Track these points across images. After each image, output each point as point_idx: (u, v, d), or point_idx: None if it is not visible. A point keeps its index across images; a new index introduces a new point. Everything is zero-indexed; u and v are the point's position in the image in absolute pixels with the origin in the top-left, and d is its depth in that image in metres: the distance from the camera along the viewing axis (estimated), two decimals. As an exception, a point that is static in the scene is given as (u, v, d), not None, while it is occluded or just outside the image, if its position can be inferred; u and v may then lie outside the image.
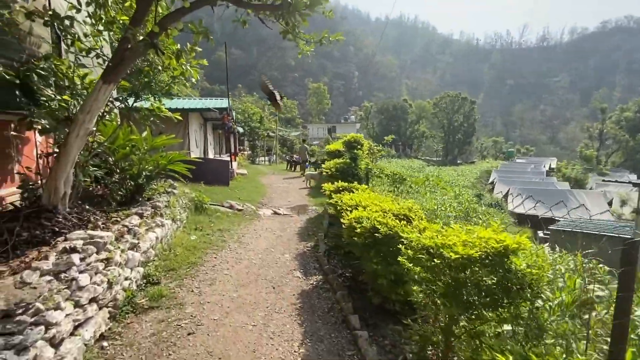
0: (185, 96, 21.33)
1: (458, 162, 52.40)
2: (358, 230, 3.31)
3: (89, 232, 3.37)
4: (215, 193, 9.94)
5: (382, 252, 3.19)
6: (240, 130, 26.78)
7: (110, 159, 5.27)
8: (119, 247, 3.62)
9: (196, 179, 10.16)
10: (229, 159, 14.62)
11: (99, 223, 3.81)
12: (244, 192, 11.53)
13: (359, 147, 8.00)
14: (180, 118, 4.92)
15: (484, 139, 73.61)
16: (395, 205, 3.92)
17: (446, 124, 54.71)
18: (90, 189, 5.83)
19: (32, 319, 2.22)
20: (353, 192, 4.96)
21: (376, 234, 3.14)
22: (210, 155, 16.50)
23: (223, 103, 14.19)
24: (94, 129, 3.32)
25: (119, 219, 4.23)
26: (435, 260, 2.05)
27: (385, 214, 3.52)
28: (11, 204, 3.54)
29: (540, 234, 14.45)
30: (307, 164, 21.99)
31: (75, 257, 2.85)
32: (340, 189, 5.52)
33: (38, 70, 3.00)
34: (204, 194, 8.98)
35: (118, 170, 5.39)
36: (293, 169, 22.46)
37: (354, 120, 60.85)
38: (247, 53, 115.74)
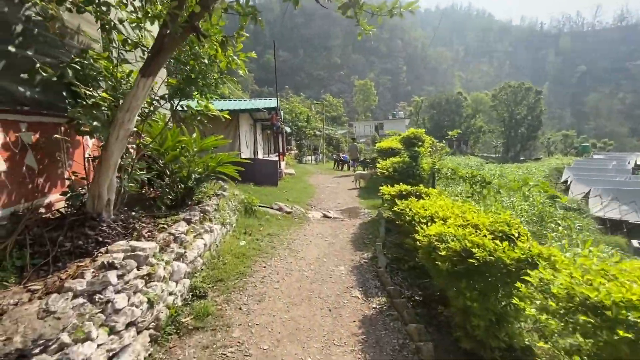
0: (236, 98, 21.85)
1: (521, 158, 47.61)
2: (442, 252, 2.55)
3: (132, 243, 3.06)
4: (264, 194, 9.69)
5: (478, 283, 2.40)
6: (288, 130, 26.89)
7: (160, 161, 5.11)
8: (162, 260, 3.29)
9: (246, 180, 10.03)
10: (277, 158, 14.47)
11: (144, 232, 3.53)
12: (293, 192, 11.18)
13: (419, 143, 7.08)
14: (228, 117, 4.57)
15: (551, 133, 65.96)
16: (486, 217, 3.07)
17: (507, 117, 50.01)
18: (143, 191, 5.79)
19: (55, 357, 1.86)
20: (422, 198, 4.16)
21: (470, 260, 2.37)
22: (260, 156, 16.54)
23: (272, 103, 14.04)
24: (135, 129, 2.98)
25: (166, 226, 3.95)
26: (618, 331, 1.25)
27: (477, 230, 2.71)
28: (58, 210, 3.38)
29: (635, 243, 12.11)
30: (354, 162, 21.28)
31: (112, 275, 2.51)
32: (404, 192, 4.74)
33: (73, 65, 2.75)
34: (253, 195, 8.74)
35: (168, 173, 5.22)
36: (340, 168, 21.89)
37: (403, 116, 58.55)
38: (293, 54, 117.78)
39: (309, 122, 30.69)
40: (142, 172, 4.09)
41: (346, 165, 21.67)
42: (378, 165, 7.67)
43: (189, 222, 4.38)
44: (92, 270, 2.57)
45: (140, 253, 2.94)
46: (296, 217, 8.13)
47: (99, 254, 2.92)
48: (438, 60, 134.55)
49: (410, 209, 3.83)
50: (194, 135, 5.34)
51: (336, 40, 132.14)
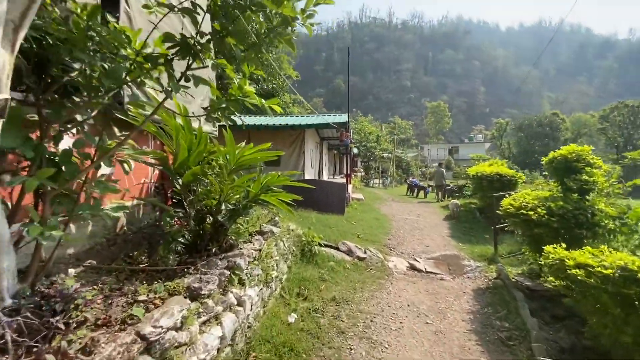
0: (304, 115, 20.76)
1: (644, 194, 37.92)
2: None
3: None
4: (329, 226, 7.55)
5: None
6: (355, 150, 24.89)
7: (176, 181, 3.32)
8: None
9: (307, 205, 8.08)
10: (344, 181, 12.38)
11: (66, 341, 1.57)
12: (363, 225, 8.83)
13: (587, 169, 4.24)
14: (278, 108, 2.61)
15: (685, 164, 52.39)
16: None
17: (622, 143, 40.88)
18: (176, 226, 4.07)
19: None
20: None
21: None
22: (324, 177, 14.69)
23: (342, 118, 12.20)
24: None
25: (139, 314, 1.97)
26: None
27: None
28: None
29: None
30: (429, 189, 18.31)
31: None
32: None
33: None
34: (315, 226, 6.68)
35: (187, 202, 3.40)
36: (415, 194, 18.89)
37: (482, 139, 52.86)
38: (363, 79, 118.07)
39: (378, 142, 28.36)
40: (119, 202, 2.24)
41: (422, 191, 18.65)
42: (509, 201, 4.91)
43: (196, 295, 2.38)
44: None
45: None
46: (372, 266, 5.76)
47: None
48: (522, 80, 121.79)
49: None
50: (250, 146, 3.47)
51: (407, 64, 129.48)
